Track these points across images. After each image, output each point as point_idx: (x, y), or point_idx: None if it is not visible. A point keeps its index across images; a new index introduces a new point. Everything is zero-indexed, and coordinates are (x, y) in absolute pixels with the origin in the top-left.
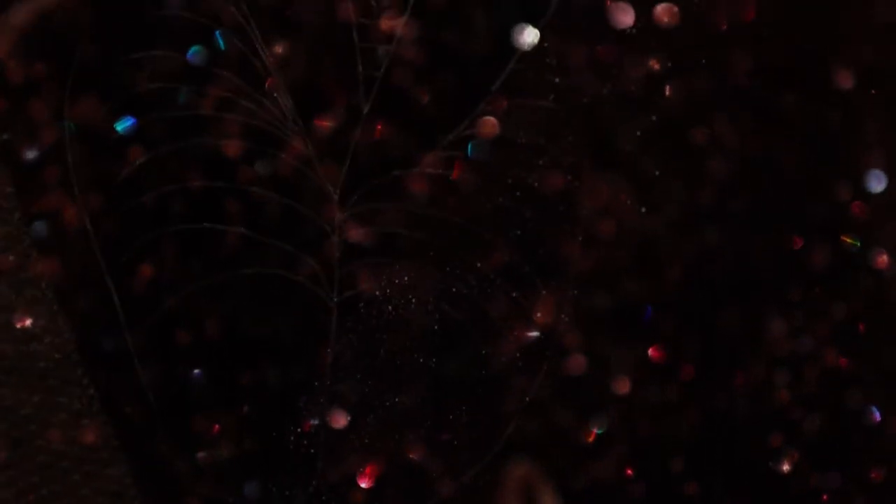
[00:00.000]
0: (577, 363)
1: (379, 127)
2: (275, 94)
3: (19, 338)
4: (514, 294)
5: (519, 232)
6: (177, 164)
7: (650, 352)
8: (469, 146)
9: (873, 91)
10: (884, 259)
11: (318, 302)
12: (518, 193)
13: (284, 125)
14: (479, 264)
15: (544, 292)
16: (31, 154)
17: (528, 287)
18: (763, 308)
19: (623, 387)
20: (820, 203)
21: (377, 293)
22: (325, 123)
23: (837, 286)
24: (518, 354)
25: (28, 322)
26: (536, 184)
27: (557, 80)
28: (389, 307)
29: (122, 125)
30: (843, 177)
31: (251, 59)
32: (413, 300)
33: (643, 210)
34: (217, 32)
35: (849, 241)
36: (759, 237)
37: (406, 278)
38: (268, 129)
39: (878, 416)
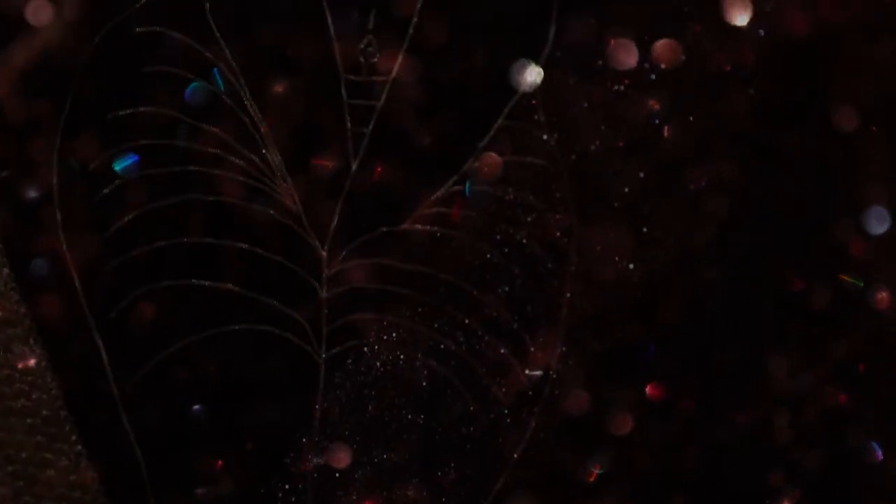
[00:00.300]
0: (574, 406)
1: (367, 183)
2: (263, 150)
3: (6, 394)
4: (502, 350)
5: (507, 288)
6: (165, 218)
7: (648, 390)
8: (466, 185)
9: (874, 128)
10: (884, 297)
11: (305, 357)
12: (506, 250)
13: (273, 181)
14: (467, 320)
15: (533, 349)
16: (30, 194)
17: (517, 343)
18: (763, 346)
19: (622, 428)
20: (820, 241)
21: (365, 349)
22: (326, 163)
23: (838, 324)
24: (506, 411)
25: (31, 362)
26: (525, 240)
27: (545, 136)
28: (378, 363)
29: (122, 164)
30: (844, 215)
31: (240, 115)
32: (401, 356)
33: (632, 266)
34: (215, 70)
35: (850, 280)
36: (759, 276)
37: (394, 334)
38: (256, 185)
39: (879, 454)
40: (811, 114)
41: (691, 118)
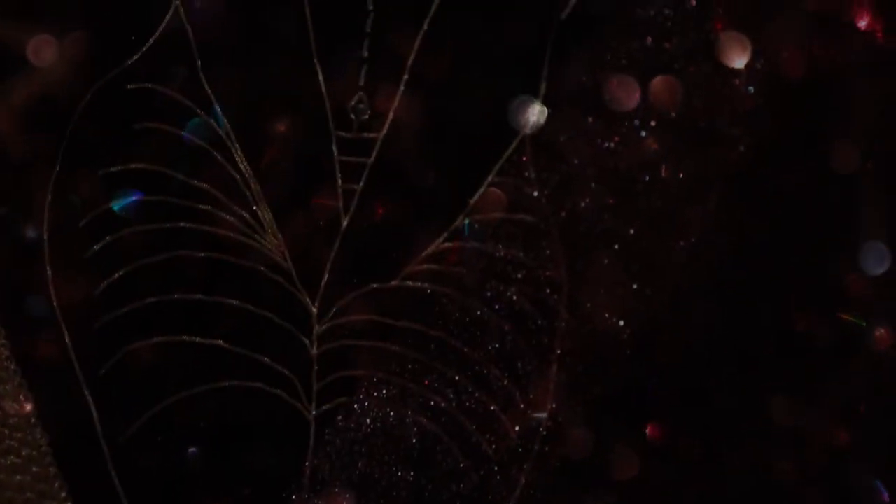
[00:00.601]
0: (565, 462)
1: (358, 239)
2: (254, 207)
3: None
4: (492, 407)
5: (497, 345)
6: (156, 274)
7: (648, 430)
8: (466, 225)
9: (869, 164)
10: (884, 334)
11: (296, 414)
12: (497, 306)
13: (264, 237)
14: (457, 377)
15: (523, 405)
16: (20, 251)
17: (507, 400)
18: (763, 385)
19: (624, 473)
20: (820, 280)
21: (356, 406)
22: (326, 202)
23: (839, 362)
24: (497, 467)
25: (21, 419)
26: (515, 297)
27: (535, 193)
28: (368, 420)
29: (121, 203)
30: (844, 253)
31: (231, 171)
32: (392, 413)
33: (622, 322)
34: (215, 106)
35: (851, 319)
36: (758, 315)
37: (385, 391)
38: (247, 242)
39: (885, 494)
40: (808, 156)
41: (682, 174)
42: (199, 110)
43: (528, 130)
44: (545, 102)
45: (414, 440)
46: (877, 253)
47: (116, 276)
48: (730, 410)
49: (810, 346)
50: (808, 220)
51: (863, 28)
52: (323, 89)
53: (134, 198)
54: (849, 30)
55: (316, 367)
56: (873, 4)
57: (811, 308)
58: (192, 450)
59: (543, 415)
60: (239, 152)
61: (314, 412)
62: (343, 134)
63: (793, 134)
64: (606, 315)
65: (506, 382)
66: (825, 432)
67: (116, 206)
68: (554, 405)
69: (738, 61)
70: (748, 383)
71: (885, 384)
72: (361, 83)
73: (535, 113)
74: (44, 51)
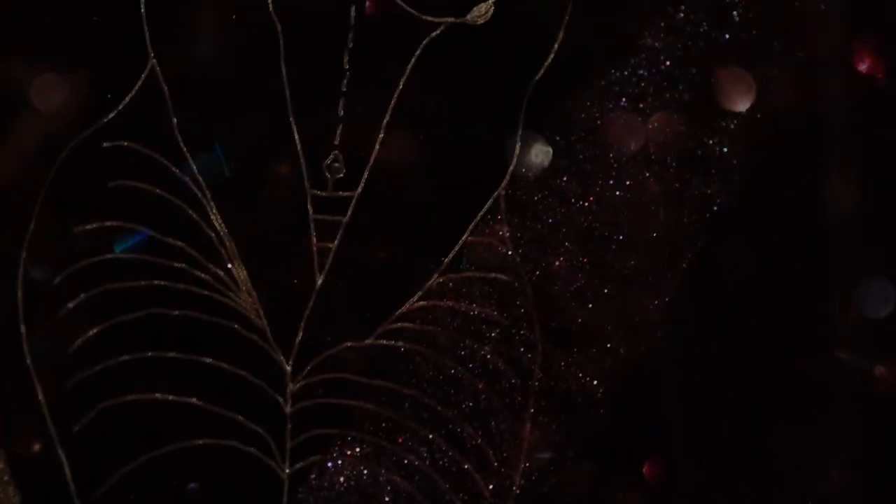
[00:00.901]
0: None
1: (333, 298)
2: (229, 265)
3: None
4: (466, 466)
5: (471, 403)
6: (130, 331)
7: (645, 470)
8: (464, 258)
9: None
10: (882, 371)
11: (269, 472)
12: (470, 365)
13: (238, 295)
14: (431, 436)
15: (496, 463)
16: (4, 290)
17: (480, 459)
18: (763, 426)
19: None
20: (820, 320)
21: (329, 464)
22: (327, 245)
23: (839, 401)
24: None
25: (1, 465)
26: (489, 356)
27: (510, 252)
28: (342, 478)
29: (124, 245)
30: (843, 293)
31: (206, 229)
32: (365, 471)
33: (595, 382)
34: (217, 146)
35: (850, 358)
36: (757, 354)
37: (358, 449)
38: (222, 300)
39: None
40: (805, 199)
41: (656, 234)
42: (175, 169)
43: (532, 172)
44: (520, 161)
45: (387, 499)
46: (880, 296)
47: (91, 333)
48: (712, 464)
49: (803, 393)
50: (797, 264)
51: (864, 71)
52: (298, 147)
53: (138, 238)
54: (842, 72)
55: (290, 425)
56: (873, 48)
57: (803, 353)
58: None
59: (517, 473)
60: (214, 210)
61: (288, 470)
62: (318, 192)
63: (777, 186)
64: (580, 374)
65: (479, 441)
66: (823, 476)
67: (119, 248)
68: (527, 464)
69: (741, 104)
70: (729, 440)
71: (885, 424)
72: (337, 142)
73: (541, 154)
74: (34, 99)
